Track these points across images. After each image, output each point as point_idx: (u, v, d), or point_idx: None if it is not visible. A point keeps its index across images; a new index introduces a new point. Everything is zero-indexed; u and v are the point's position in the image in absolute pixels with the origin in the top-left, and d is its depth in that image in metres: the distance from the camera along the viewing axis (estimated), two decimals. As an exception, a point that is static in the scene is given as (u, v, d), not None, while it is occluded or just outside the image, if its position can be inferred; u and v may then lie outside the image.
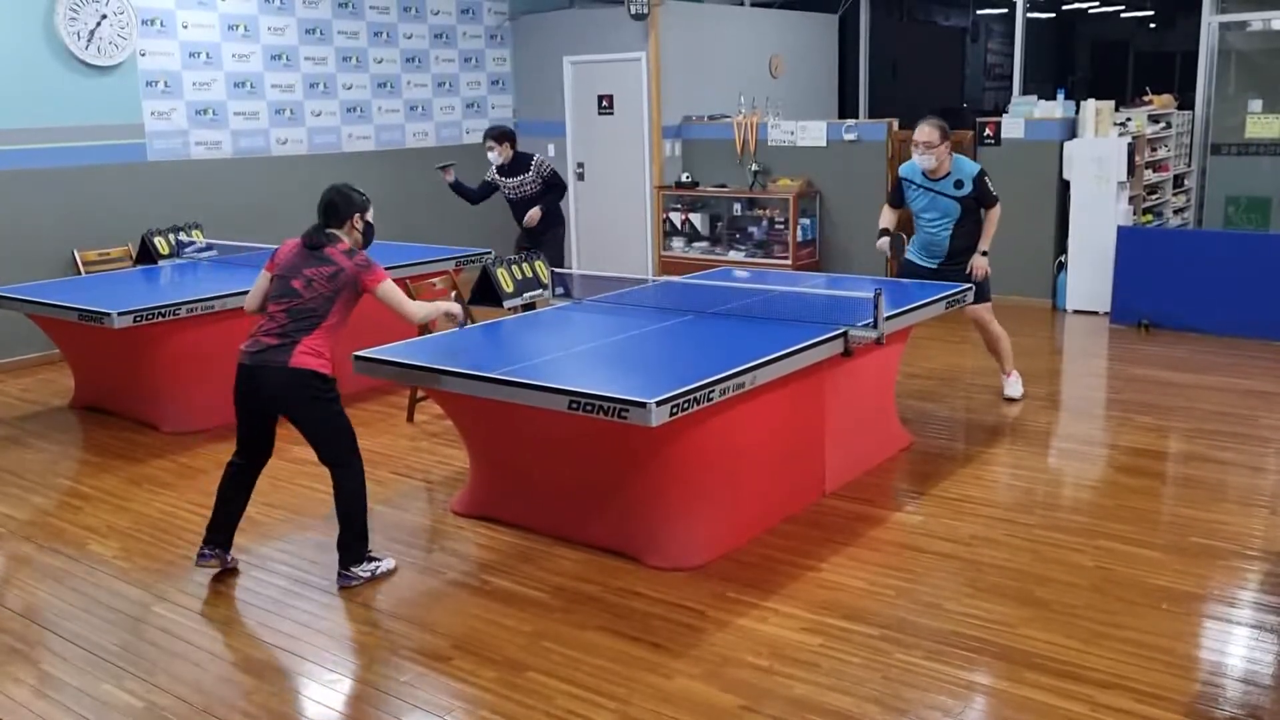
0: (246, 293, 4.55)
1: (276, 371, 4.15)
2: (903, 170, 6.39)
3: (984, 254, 6.26)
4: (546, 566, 4.45)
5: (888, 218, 6.41)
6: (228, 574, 4.46)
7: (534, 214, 7.64)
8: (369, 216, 4.43)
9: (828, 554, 4.50)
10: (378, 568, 4.38)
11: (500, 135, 7.75)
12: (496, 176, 7.81)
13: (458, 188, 7.88)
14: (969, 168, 6.21)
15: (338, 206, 4.34)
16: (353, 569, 4.31)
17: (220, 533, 4.41)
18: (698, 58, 10.91)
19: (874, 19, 12.75)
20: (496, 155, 7.72)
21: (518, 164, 7.72)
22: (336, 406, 4.27)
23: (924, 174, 6.21)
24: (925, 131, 6.06)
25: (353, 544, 4.32)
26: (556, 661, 3.71)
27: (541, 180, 7.68)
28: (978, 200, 6.18)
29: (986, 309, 6.37)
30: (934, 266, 6.31)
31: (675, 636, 3.85)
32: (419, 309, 4.45)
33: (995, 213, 6.25)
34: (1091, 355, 7.98)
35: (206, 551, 4.40)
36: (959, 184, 6.16)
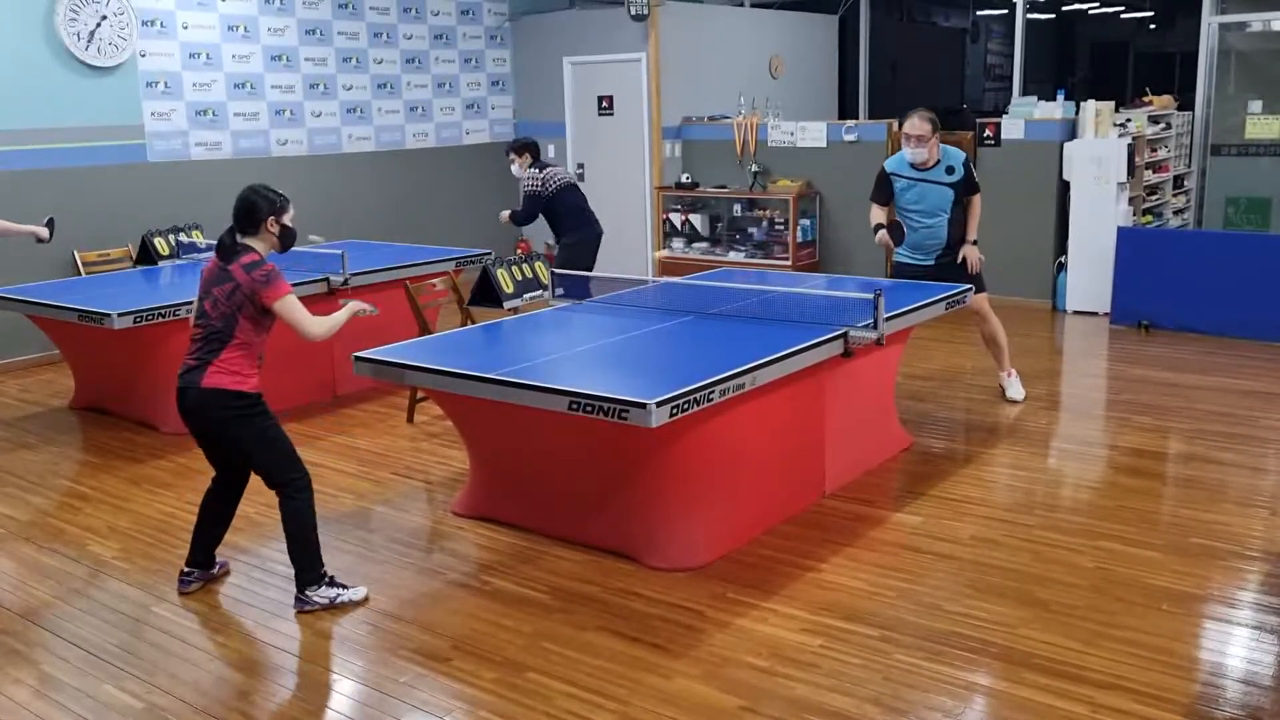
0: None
1: (193, 393, 4.04)
2: (888, 165, 6.35)
3: (974, 243, 6.28)
4: (546, 567, 4.46)
5: (878, 214, 6.36)
6: (224, 576, 4.47)
7: (503, 215, 7.68)
8: (287, 219, 4.19)
9: (827, 555, 4.50)
10: (339, 596, 4.15)
11: (520, 147, 7.68)
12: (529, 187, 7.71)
13: (514, 217, 7.76)
14: (956, 154, 6.23)
15: (255, 207, 4.13)
16: (308, 592, 4.13)
17: (200, 553, 4.36)
18: (698, 58, 10.92)
19: (874, 19, 12.75)
20: (518, 168, 7.64)
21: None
22: (264, 422, 4.10)
23: (913, 165, 6.19)
24: (916, 124, 6.05)
25: (306, 566, 4.14)
26: (556, 662, 3.71)
27: (550, 193, 7.57)
28: (967, 186, 6.20)
29: (983, 299, 6.37)
30: (931, 262, 6.30)
31: (675, 637, 3.85)
32: (318, 325, 4.15)
33: (978, 200, 6.31)
34: (1091, 356, 7.98)
35: (186, 576, 4.35)
36: (950, 170, 6.16)
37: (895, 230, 6.28)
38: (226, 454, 4.24)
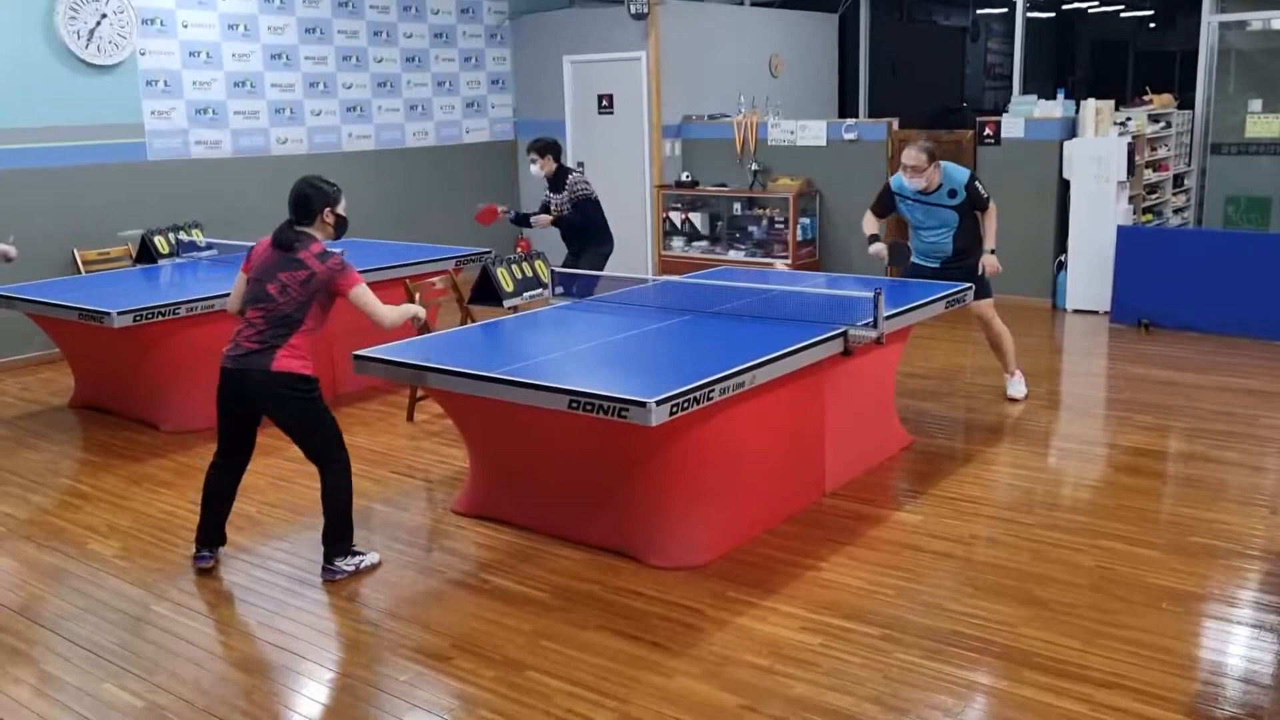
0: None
1: (259, 375, 4.18)
2: (894, 184, 6.36)
3: (992, 252, 6.28)
4: (546, 566, 4.46)
5: (872, 224, 6.34)
6: (227, 573, 4.47)
7: (543, 219, 7.48)
8: (341, 209, 4.35)
9: (828, 553, 4.50)
10: (361, 561, 4.41)
11: (542, 148, 7.41)
12: (547, 193, 7.56)
13: (519, 219, 7.65)
14: (958, 175, 6.20)
15: (310, 200, 4.26)
16: (336, 562, 4.36)
17: (212, 534, 4.50)
18: (698, 57, 10.92)
19: (874, 18, 12.75)
20: (538, 168, 7.43)
21: (559, 180, 7.45)
22: (320, 404, 4.30)
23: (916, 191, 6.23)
24: (913, 156, 6.06)
25: (338, 539, 4.36)
26: (556, 661, 3.71)
27: (571, 202, 7.41)
28: (972, 205, 6.20)
29: (989, 305, 6.37)
30: (937, 265, 6.33)
31: (675, 636, 3.85)
32: (390, 313, 4.35)
33: (992, 212, 6.28)
34: (1091, 355, 7.98)
35: (206, 554, 4.49)
36: (952, 193, 6.17)
37: (899, 251, 6.29)
38: (250, 433, 4.40)
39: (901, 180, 6.22)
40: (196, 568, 4.47)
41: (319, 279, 4.19)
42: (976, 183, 6.23)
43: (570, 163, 10.95)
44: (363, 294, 4.26)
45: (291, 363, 4.20)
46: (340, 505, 4.34)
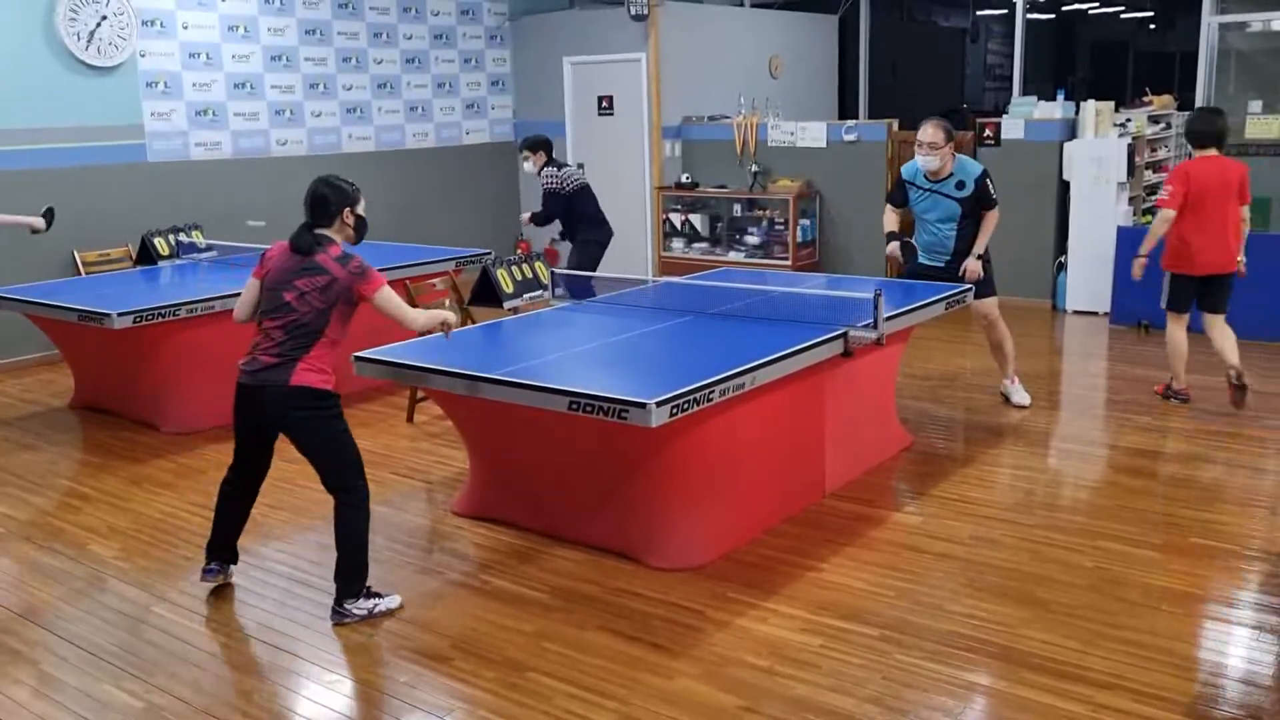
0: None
1: (276, 391, 3.93)
2: (905, 171, 6.36)
3: (978, 257, 6.19)
4: (546, 567, 4.46)
5: (892, 219, 6.36)
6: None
7: (524, 216, 7.70)
8: (360, 209, 4.09)
9: (828, 554, 4.50)
10: (377, 605, 4.06)
11: (533, 145, 7.63)
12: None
13: (535, 219, 7.74)
14: (972, 168, 6.17)
15: (328, 200, 4.00)
16: (347, 604, 4.03)
17: (223, 550, 4.32)
18: (697, 58, 10.92)
19: (874, 19, 12.75)
20: (530, 165, 7.62)
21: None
22: (341, 425, 4.03)
23: (925, 175, 6.18)
24: (929, 132, 6.02)
25: (352, 577, 4.05)
26: (556, 662, 3.71)
27: (569, 192, 7.55)
28: (978, 201, 6.15)
29: (993, 304, 6.33)
30: (941, 265, 6.29)
31: (675, 637, 3.85)
32: (419, 316, 4.16)
33: (992, 216, 6.20)
34: (1091, 356, 7.98)
35: (214, 566, 4.30)
36: (960, 185, 6.13)
37: (907, 250, 6.28)
38: (268, 450, 4.18)
39: (914, 167, 6.20)
40: (204, 579, 4.30)
41: (340, 284, 3.93)
42: (989, 180, 6.18)
43: (570, 163, 10.98)
44: (388, 297, 4.02)
45: (311, 376, 3.93)
46: (355, 538, 4.01)
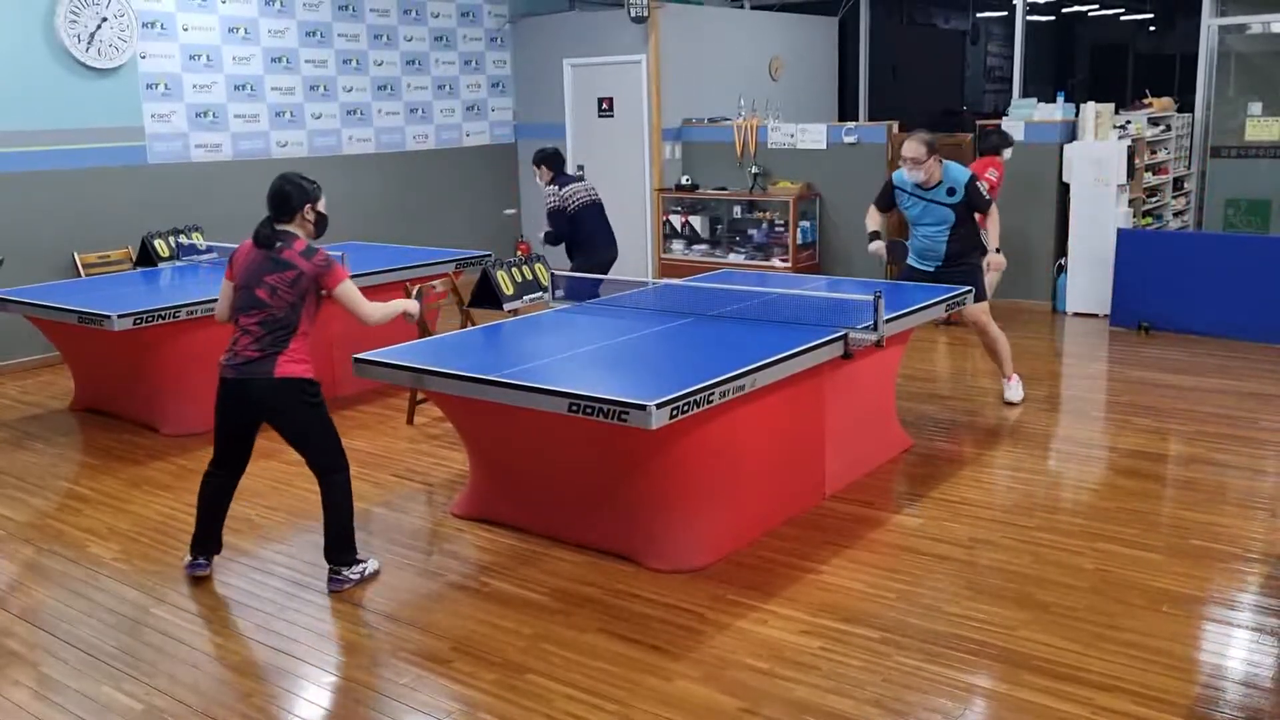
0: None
1: (263, 383, 4.15)
2: (895, 178, 6.37)
3: (997, 250, 6.29)
4: (546, 569, 4.45)
5: (875, 219, 6.38)
6: (226, 576, 4.47)
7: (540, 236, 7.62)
8: (321, 206, 4.29)
9: (827, 556, 4.50)
10: (365, 569, 4.39)
11: (538, 159, 7.51)
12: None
13: (548, 239, 7.56)
14: (959, 174, 6.20)
15: (289, 197, 4.19)
16: (343, 572, 4.32)
17: (207, 542, 4.47)
18: (697, 60, 10.92)
19: (874, 21, 12.76)
20: (540, 180, 7.53)
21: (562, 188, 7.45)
22: (322, 410, 4.27)
23: (915, 185, 6.22)
24: (912, 148, 6.06)
25: (345, 546, 4.33)
26: (556, 664, 3.71)
27: (572, 211, 7.39)
28: (970, 206, 6.18)
29: (984, 310, 6.36)
30: (931, 269, 6.32)
31: (675, 639, 3.85)
32: (375, 310, 4.32)
33: (992, 216, 6.27)
34: (1091, 358, 7.98)
35: (201, 561, 4.46)
36: (951, 191, 6.16)
37: (898, 250, 6.30)
38: (249, 442, 4.38)
39: (903, 174, 6.22)
40: (190, 575, 4.44)
41: (307, 277, 4.15)
42: (977, 184, 6.22)
43: (571, 166, 10.97)
44: (348, 290, 4.24)
45: (295, 368, 4.17)
46: (343, 515, 4.31)
